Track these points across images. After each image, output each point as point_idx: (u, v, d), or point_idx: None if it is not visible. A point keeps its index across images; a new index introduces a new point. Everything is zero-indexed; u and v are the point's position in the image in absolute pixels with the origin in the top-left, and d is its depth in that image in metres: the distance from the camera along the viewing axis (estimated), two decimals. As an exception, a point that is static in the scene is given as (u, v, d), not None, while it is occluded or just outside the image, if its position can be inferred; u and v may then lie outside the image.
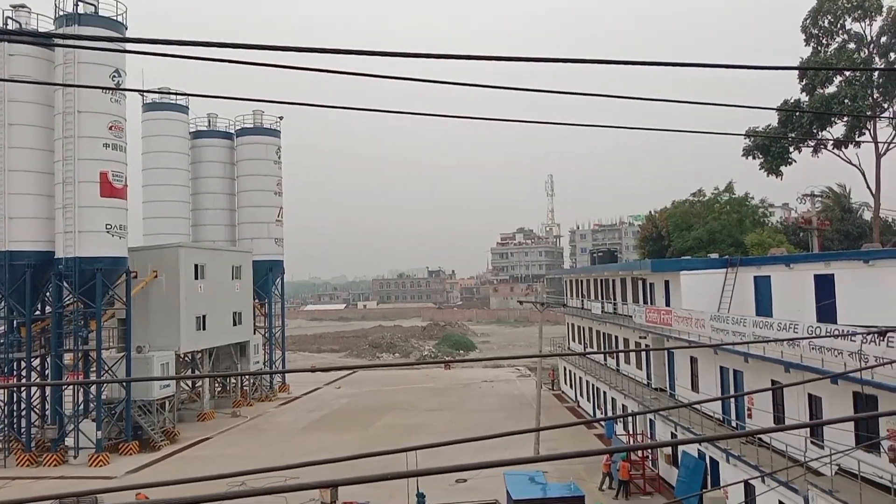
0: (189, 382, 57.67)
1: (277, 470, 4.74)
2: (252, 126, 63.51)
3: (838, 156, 45.41)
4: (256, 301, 61.36)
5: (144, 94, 58.11)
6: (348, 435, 43.83)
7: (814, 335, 20.23)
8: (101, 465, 38.41)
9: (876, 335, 16.74)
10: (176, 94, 51.34)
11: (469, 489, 32.20)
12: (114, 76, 40.41)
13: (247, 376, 58.25)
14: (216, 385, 58.65)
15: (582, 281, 55.15)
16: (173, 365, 45.95)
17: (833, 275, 26.72)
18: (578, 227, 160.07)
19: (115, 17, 41.10)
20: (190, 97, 60.07)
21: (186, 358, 53.01)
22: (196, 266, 49.45)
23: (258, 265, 60.25)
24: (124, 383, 41.93)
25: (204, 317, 49.55)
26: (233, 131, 64.58)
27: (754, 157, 46.76)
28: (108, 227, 40.30)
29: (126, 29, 41.79)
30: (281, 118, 65.16)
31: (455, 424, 45.16)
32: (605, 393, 43.41)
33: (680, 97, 6.51)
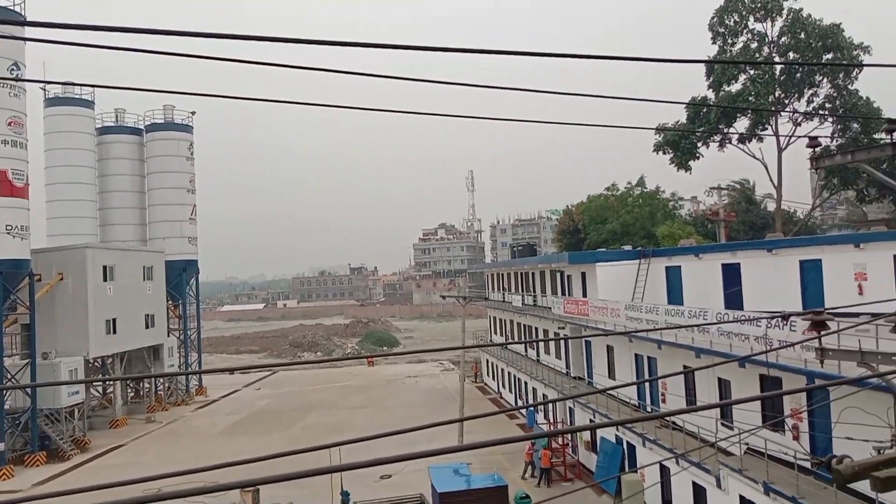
0: (100, 388, 55.23)
1: (194, 472, 4.57)
2: (163, 121, 61.26)
3: (743, 150, 47.64)
4: (170, 302, 59.35)
5: (46, 87, 55.16)
6: (269, 436, 42.99)
7: (722, 321, 21.15)
8: (4, 479, 36.32)
9: (780, 320, 17.66)
10: (81, 85, 48.97)
11: (394, 485, 32.16)
12: (12, 69, 38.20)
13: (161, 380, 56.26)
14: (129, 390, 56.46)
15: (503, 274, 55.89)
16: (82, 371, 43.92)
17: (739, 264, 28.03)
18: (499, 222, 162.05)
19: (11, 7, 38.88)
20: (95, 90, 57.58)
21: (96, 363, 50.72)
22: (105, 267, 47.39)
23: (171, 265, 58.24)
24: (29, 390, 39.69)
25: (114, 320, 47.56)
26: (142, 127, 62.08)
27: (665, 153, 48.47)
28: (9, 227, 38.11)
29: (24, 19, 39.56)
30: (193, 113, 63.11)
31: (379, 421, 44.99)
32: (526, 383, 44.16)
33: (594, 94, 6.61)
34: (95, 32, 4.00)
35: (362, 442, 5.09)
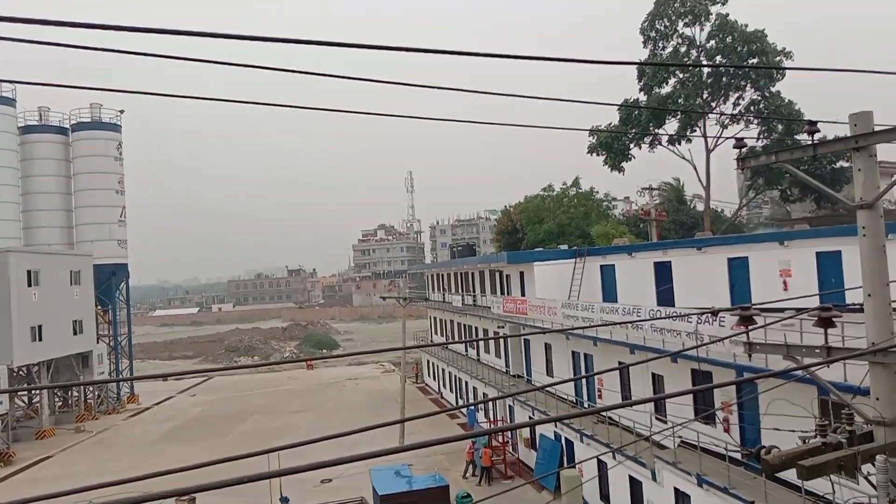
0: (25, 398, 52.92)
1: (126, 482, 4.42)
2: (90, 120, 59.07)
3: (673, 152, 49.01)
4: (99, 308, 57.30)
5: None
6: (205, 443, 41.97)
7: (654, 318, 21.72)
8: (-82, 498, 34.38)
9: (709, 316, 18.23)
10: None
11: (334, 489, 31.83)
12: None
13: (91, 388, 54.22)
14: (56, 399, 54.26)
15: (443, 275, 56.03)
16: (5, 380, 41.91)
17: (670, 262, 28.84)
18: (439, 223, 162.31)
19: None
20: (16, 86, 55.06)
21: (21, 372, 48.56)
22: (29, 272, 45.40)
23: (100, 269, 56.22)
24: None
25: (40, 327, 45.59)
26: (68, 126, 59.73)
27: (598, 154, 49.47)
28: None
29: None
30: (122, 112, 61.12)
31: (319, 424, 44.47)
32: (466, 382, 44.39)
33: (528, 95, 6.71)
34: (12, 25, 3.83)
35: (302, 446, 5.02)
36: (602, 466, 24.89)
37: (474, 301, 45.17)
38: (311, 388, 62.37)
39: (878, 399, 6.61)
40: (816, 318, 7.21)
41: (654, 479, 21.67)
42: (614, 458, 23.25)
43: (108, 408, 55.61)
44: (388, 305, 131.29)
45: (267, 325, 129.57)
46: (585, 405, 30.02)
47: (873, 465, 6.24)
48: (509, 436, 34.93)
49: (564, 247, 41.68)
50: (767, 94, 44.02)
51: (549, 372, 33.48)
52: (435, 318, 59.42)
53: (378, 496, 27.90)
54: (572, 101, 7.51)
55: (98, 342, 55.58)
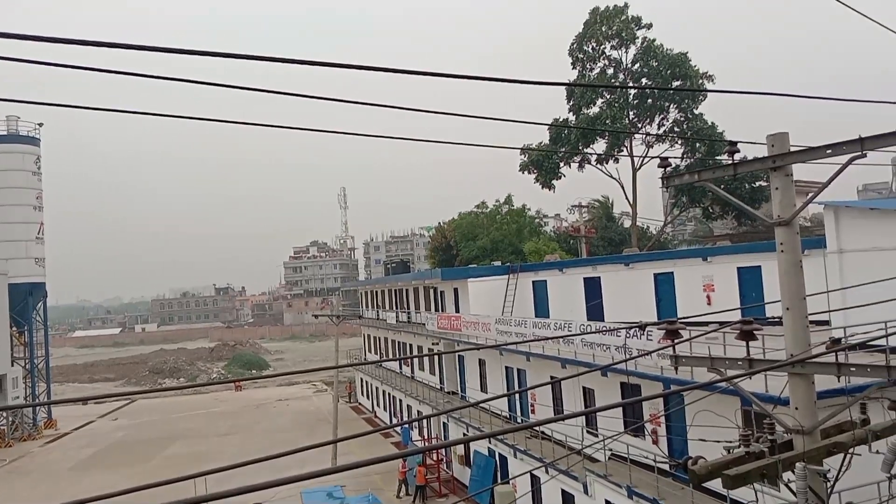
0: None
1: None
2: (6, 133, 56.45)
3: (601, 170, 50.28)
4: (14, 329, 54.49)
5: None
6: (127, 470, 40.28)
7: (585, 332, 22.09)
8: None
9: (637, 330, 18.67)
10: None
11: (265, 513, 31.00)
12: None
13: (4, 413, 51.38)
14: (-36, 428, 51.17)
15: (377, 292, 55.68)
16: None
17: (599, 277, 29.47)
18: (373, 239, 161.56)
19: None
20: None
21: (-76, 399, 45.65)
22: (-65, 292, 42.86)
23: (15, 288, 53.54)
24: None
25: (-54, 350, 43.04)
26: (-19, 139, 56.85)
27: (530, 172, 50.29)
28: None
29: None
30: (40, 125, 58.63)
31: (248, 447, 43.30)
32: (400, 400, 44.08)
33: (459, 113, 6.76)
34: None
35: (230, 470, 4.86)
36: (535, 481, 25.05)
37: (409, 318, 45.02)
38: (239, 409, 60.76)
39: (797, 408, 6.87)
40: (738, 332, 7.46)
41: (585, 492, 21.94)
42: (547, 472, 23.44)
43: (24, 434, 52.81)
44: (321, 324, 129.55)
45: (193, 346, 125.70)
46: (519, 420, 30.21)
47: (793, 472, 6.48)
48: (443, 453, 34.82)
49: (498, 263, 42.10)
50: (690, 116, 45.70)
51: (484, 388, 33.60)
52: (369, 336, 58.91)
53: (310, 519, 27.31)
54: (503, 119, 7.62)
55: (13, 365, 52.87)
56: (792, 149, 6.97)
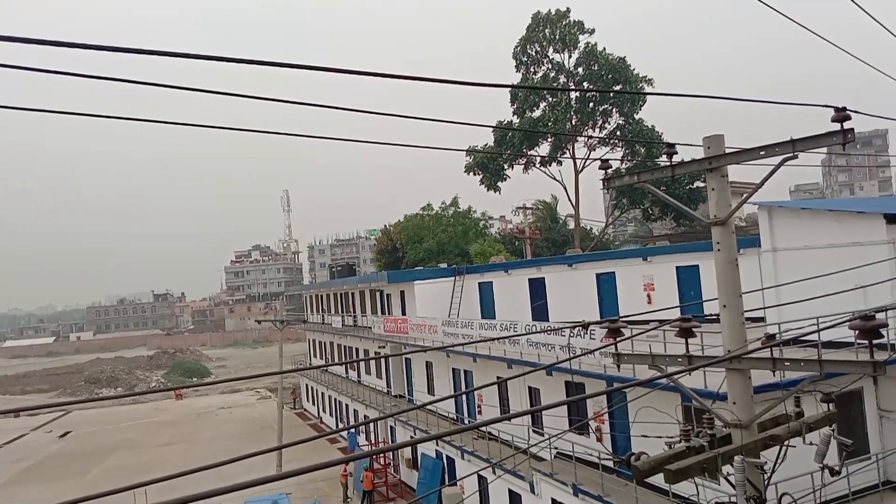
0: None
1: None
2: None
3: (545, 172, 50.92)
4: (-62, 340, 52.01)
5: None
6: (63, 484, 38.83)
7: (530, 332, 22.32)
8: None
9: (580, 329, 18.96)
10: None
11: (209, 523, 30.30)
12: None
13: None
14: None
15: (322, 296, 55.09)
16: None
17: (544, 278, 29.82)
18: (318, 242, 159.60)
19: None
20: None
21: None
22: None
23: (-61, 298, 51.07)
24: None
25: None
26: None
27: (475, 174, 50.58)
28: None
29: None
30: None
31: (191, 457, 42.26)
32: (347, 405, 43.71)
33: (405, 115, 6.73)
34: None
35: (172, 479, 4.72)
36: (483, 482, 25.17)
37: (355, 321, 44.68)
38: (180, 418, 59.28)
39: (734, 403, 7.08)
40: (678, 329, 7.65)
41: (532, 491, 22.15)
42: (494, 472, 23.58)
43: (-52, 451, 50.41)
44: (264, 329, 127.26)
45: (131, 354, 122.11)
46: (466, 422, 30.31)
47: (732, 465, 6.67)
48: (391, 457, 34.67)
49: (444, 265, 42.15)
50: (631, 120, 46.69)
51: (431, 390, 33.59)
52: (314, 341, 58.24)
53: (255, 528, 26.84)
54: (446, 121, 7.62)
55: (-64, 378, 50.36)
56: (728, 150, 7.19)
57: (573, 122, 47.94)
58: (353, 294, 46.16)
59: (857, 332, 6.10)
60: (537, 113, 47.95)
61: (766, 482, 6.79)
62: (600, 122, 48.28)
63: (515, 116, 48.78)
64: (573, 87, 47.20)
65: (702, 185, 41.24)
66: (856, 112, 6.32)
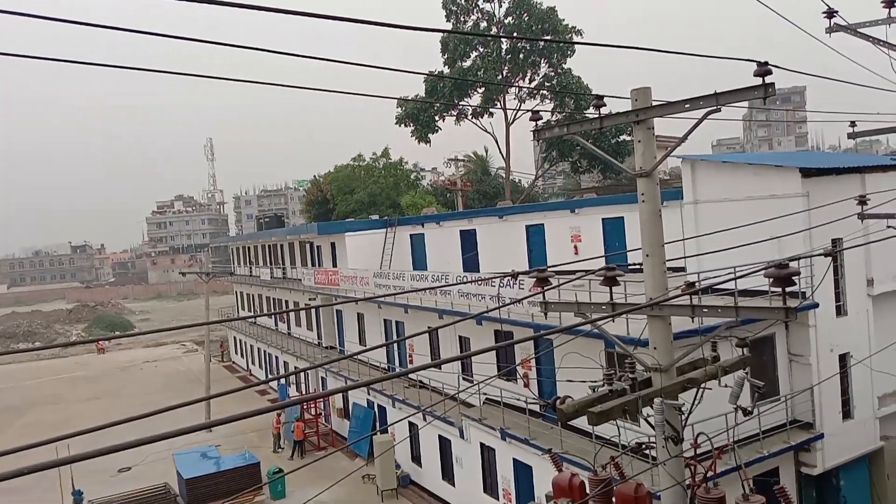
0: None
1: None
2: None
3: (476, 124, 50.89)
4: None
5: None
6: (-21, 441, 37.51)
7: (461, 282, 22.57)
8: None
9: (510, 279, 19.27)
10: None
11: (134, 477, 29.93)
12: None
13: None
14: None
15: (249, 248, 54.08)
16: None
17: (475, 230, 30.08)
18: (244, 193, 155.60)
19: None
20: None
21: None
22: None
23: None
24: None
25: None
26: None
27: (406, 125, 50.07)
28: None
29: None
30: None
31: (115, 412, 41.29)
32: (277, 357, 43.47)
33: (336, 60, 6.55)
34: None
35: (94, 432, 4.61)
36: (413, 429, 25.64)
37: (284, 274, 44.12)
38: (103, 373, 57.82)
39: (655, 348, 7.37)
40: (603, 278, 7.86)
41: (461, 436, 22.71)
42: (425, 419, 24.02)
43: None
44: (189, 282, 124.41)
45: (49, 308, 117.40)
46: (397, 371, 30.64)
47: (652, 407, 6.97)
48: (322, 407, 34.82)
49: (375, 217, 41.88)
50: (560, 71, 46.91)
51: (363, 342, 33.71)
52: (242, 294, 57.33)
53: (183, 480, 26.68)
54: (377, 67, 7.43)
55: None
56: (654, 103, 7.31)
57: (504, 73, 47.86)
58: (281, 246, 45.46)
59: (771, 279, 6.39)
60: (468, 63, 47.62)
61: (683, 423, 7.13)
62: (530, 74, 48.38)
63: (446, 66, 48.30)
64: (502, 38, 46.99)
65: (628, 138, 42.07)
66: (777, 67, 6.51)
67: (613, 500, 7.38)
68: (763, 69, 6.24)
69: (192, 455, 28.79)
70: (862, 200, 13.61)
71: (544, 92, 47.69)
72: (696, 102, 6.84)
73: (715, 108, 6.70)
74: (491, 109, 49.15)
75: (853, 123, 14.17)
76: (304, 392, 38.40)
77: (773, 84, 6.22)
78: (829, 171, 17.75)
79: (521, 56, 47.24)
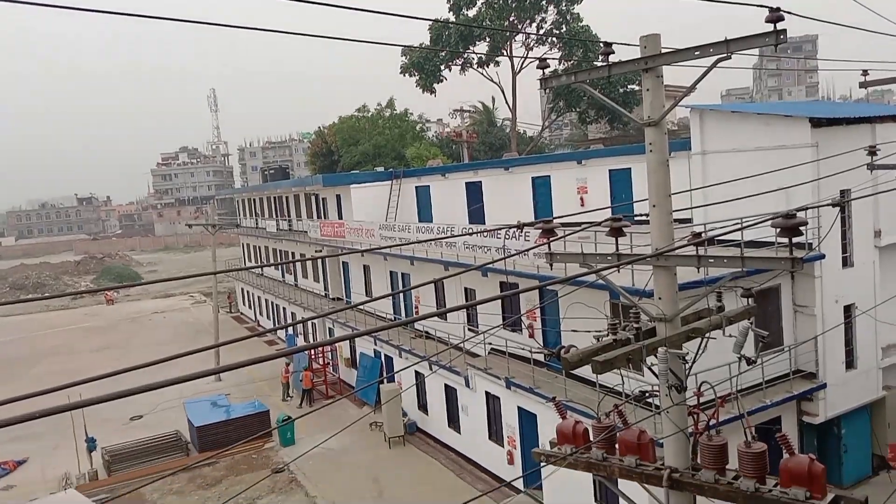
0: None
1: None
2: None
3: (482, 74, 50.10)
4: None
5: None
6: (-6, 390, 38.22)
7: (466, 234, 22.57)
8: None
9: (516, 230, 19.27)
10: None
11: (146, 425, 30.58)
12: None
13: None
14: None
15: (255, 200, 54.07)
16: None
17: (481, 181, 29.95)
18: (249, 145, 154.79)
19: None
20: None
21: None
22: None
23: None
24: None
25: None
26: None
27: (411, 75, 49.37)
28: None
29: None
30: None
31: (125, 361, 41.93)
32: (284, 308, 43.85)
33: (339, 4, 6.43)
34: None
35: (105, 378, 4.69)
36: (419, 377, 25.99)
37: (290, 226, 44.18)
38: (112, 324, 58.52)
39: (660, 298, 7.39)
40: (609, 229, 7.83)
41: (467, 385, 23.02)
42: (430, 368, 24.33)
43: None
44: (196, 234, 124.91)
45: (57, 260, 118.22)
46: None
47: (656, 356, 7.03)
48: (329, 357, 35.26)
49: (380, 169, 41.69)
50: (569, 18, 45.97)
51: (369, 293, 33.93)
52: (248, 245, 57.55)
53: (194, 428, 27.26)
54: (381, 12, 7.28)
55: None
56: (663, 51, 7.18)
57: (511, 20, 46.94)
58: (287, 198, 45.41)
59: (778, 230, 6.36)
60: (473, 11, 46.69)
61: (686, 372, 7.19)
62: (538, 20, 47.42)
63: (452, 14, 47.39)
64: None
65: (636, 88, 41.43)
66: (789, 13, 6.37)
67: (616, 446, 7.50)
68: (775, 15, 6.10)
69: (203, 403, 29.35)
70: (872, 151, 13.46)
71: (553, 39, 46.82)
72: (706, 49, 6.71)
73: (725, 55, 6.58)
74: (497, 58, 48.34)
75: (865, 72, 13.94)
76: (311, 342, 38.86)
77: (784, 31, 6.09)
78: (839, 121, 17.50)
79: (528, 3, 46.26)
